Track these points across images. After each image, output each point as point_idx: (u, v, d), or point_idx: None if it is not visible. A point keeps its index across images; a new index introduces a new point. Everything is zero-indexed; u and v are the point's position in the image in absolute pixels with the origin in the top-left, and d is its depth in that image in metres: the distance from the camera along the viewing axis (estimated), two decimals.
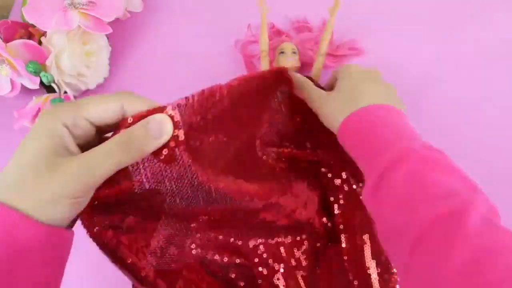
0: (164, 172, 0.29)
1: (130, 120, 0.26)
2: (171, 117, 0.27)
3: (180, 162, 0.29)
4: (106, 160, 0.25)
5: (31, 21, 0.50)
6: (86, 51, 0.54)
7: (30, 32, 0.55)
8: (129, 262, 0.32)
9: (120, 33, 0.59)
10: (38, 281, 0.25)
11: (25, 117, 0.50)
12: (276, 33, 0.57)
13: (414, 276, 0.26)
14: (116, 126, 0.27)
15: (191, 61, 0.57)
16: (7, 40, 0.51)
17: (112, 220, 0.31)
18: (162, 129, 0.27)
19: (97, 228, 0.29)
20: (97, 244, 0.30)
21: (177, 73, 0.57)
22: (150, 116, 0.27)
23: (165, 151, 0.28)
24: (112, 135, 0.27)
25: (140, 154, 0.27)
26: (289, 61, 0.49)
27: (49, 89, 0.53)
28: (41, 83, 0.51)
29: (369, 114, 0.35)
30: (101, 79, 0.56)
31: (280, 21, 0.57)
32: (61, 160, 0.25)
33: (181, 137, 0.28)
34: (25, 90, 0.52)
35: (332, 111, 0.38)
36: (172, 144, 0.28)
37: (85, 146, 0.27)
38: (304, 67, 0.52)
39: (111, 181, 0.27)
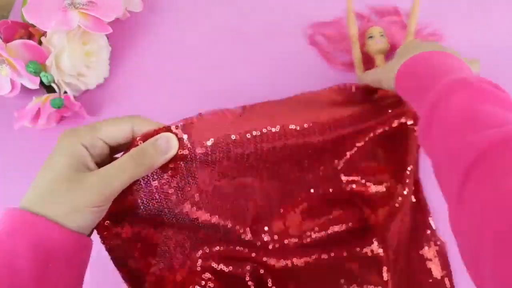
0: (170, 183, 0.32)
1: (139, 140, 0.30)
2: (176, 134, 0.31)
3: (185, 174, 0.32)
4: (121, 173, 0.29)
5: (31, 21, 0.50)
6: (86, 51, 0.54)
7: (30, 32, 0.55)
8: (133, 267, 0.34)
9: (120, 33, 0.59)
10: (64, 284, 0.28)
11: (25, 117, 0.50)
12: (359, 17, 0.57)
13: (468, 204, 0.25)
14: (127, 146, 0.31)
15: (191, 61, 0.57)
16: (7, 40, 0.50)
17: (124, 230, 0.33)
18: (169, 145, 0.30)
19: (109, 235, 0.32)
20: (108, 250, 0.33)
21: (177, 73, 0.57)
22: (159, 134, 0.30)
23: (171, 165, 0.31)
24: (122, 154, 0.30)
25: (150, 168, 0.30)
26: (379, 44, 0.51)
27: (49, 89, 0.53)
28: (41, 83, 0.51)
29: (423, 58, 0.36)
30: (101, 79, 0.56)
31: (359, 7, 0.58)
32: (83, 175, 0.28)
33: (185, 152, 0.31)
34: (25, 90, 0.52)
35: (389, 70, 0.39)
36: (178, 158, 0.31)
37: (100, 164, 0.30)
38: (393, 50, 0.53)
39: (125, 193, 0.30)
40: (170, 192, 0.33)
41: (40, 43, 0.52)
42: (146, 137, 0.30)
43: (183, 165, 0.32)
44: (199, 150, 0.32)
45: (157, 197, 0.32)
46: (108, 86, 0.57)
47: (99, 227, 0.31)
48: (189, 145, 0.31)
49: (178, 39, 0.59)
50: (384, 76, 0.41)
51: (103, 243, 0.32)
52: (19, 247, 0.26)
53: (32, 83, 0.51)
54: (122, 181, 0.29)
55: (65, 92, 0.52)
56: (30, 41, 0.51)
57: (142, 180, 0.31)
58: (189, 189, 0.34)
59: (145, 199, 0.32)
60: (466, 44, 0.51)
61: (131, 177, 0.29)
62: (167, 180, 0.32)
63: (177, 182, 0.32)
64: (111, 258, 0.33)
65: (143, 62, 0.58)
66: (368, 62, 0.53)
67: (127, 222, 0.33)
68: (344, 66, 0.55)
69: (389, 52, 0.52)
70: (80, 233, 0.28)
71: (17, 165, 0.54)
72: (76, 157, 0.29)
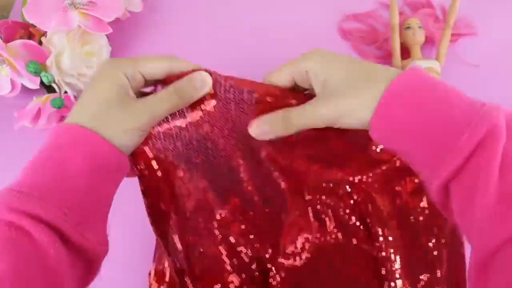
0: (200, 121, 0.34)
1: (175, 77, 0.32)
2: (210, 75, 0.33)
3: (206, 114, 0.34)
4: (166, 101, 0.31)
5: (31, 21, 0.50)
6: (86, 51, 0.54)
7: (31, 32, 0.55)
8: (162, 209, 0.36)
9: (120, 33, 0.59)
10: (109, 197, 0.31)
11: (25, 117, 0.50)
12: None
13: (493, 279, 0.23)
14: (160, 81, 0.33)
15: (191, 61, 0.57)
16: (7, 40, 0.51)
17: (160, 163, 0.35)
18: (204, 82, 0.33)
19: (141, 167, 0.34)
20: (140, 183, 0.34)
21: None
22: (196, 72, 0.33)
23: (201, 102, 0.34)
24: (153, 89, 0.34)
25: (188, 101, 0.32)
26: (417, 36, 0.52)
27: (49, 89, 0.53)
28: (41, 83, 0.51)
29: (407, 93, 0.28)
30: None
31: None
32: (129, 101, 0.31)
33: (211, 91, 0.33)
34: (25, 90, 0.52)
35: (348, 110, 0.30)
36: (208, 98, 0.33)
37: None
38: (426, 42, 0.54)
39: (160, 123, 0.33)
40: (192, 128, 0.34)
41: (40, 43, 0.52)
42: (182, 75, 0.32)
43: (211, 106, 0.34)
44: (227, 94, 0.34)
45: (184, 133, 0.34)
46: None
47: (138, 154, 0.33)
48: (220, 91, 0.34)
49: (178, 39, 0.59)
50: (346, 115, 0.30)
51: (136, 168, 0.34)
52: (77, 156, 0.28)
53: (32, 83, 0.51)
54: (166, 109, 0.32)
55: (66, 92, 0.52)
56: (30, 41, 0.51)
57: (177, 112, 0.33)
58: (208, 129, 0.35)
59: (174, 130, 0.34)
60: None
61: (174, 106, 0.32)
62: (194, 116, 0.34)
63: (200, 120, 0.34)
64: (141, 186, 0.34)
65: None
66: (403, 53, 0.54)
67: (161, 155, 0.34)
68: (377, 59, 0.56)
69: (424, 44, 0.54)
70: (124, 153, 0.31)
71: (17, 165, 0.53)
72: (120, 84, 0.30)
